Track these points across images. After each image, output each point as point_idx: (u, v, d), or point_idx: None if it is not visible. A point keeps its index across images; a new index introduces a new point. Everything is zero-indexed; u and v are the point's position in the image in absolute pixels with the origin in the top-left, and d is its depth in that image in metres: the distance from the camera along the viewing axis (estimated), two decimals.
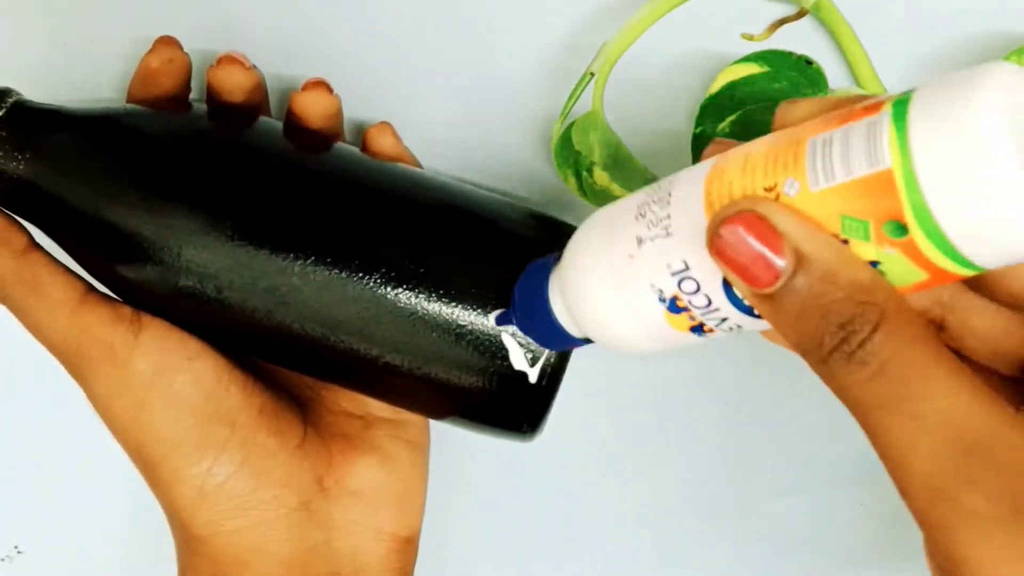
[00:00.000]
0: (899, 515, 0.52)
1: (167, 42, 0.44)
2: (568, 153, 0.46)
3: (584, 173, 0.46)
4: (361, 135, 0.45)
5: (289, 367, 0.44)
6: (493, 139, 0.48)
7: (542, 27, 0.48)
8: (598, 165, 0.45)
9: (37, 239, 0.42)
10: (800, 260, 0.28)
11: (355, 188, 0.42)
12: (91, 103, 0.43)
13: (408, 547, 0.44)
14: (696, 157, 0.46)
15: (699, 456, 0.52)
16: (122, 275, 0.41)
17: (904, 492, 0.29)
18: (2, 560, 0.51)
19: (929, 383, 0.28)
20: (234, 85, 0.43)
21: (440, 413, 0.43)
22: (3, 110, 0.41)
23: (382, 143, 0.44)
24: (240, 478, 0.41)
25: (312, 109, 0.44)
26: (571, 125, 0.45)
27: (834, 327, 0.29)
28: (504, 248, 0.42)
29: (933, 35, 0.48)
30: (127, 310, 0.41)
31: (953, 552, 0.29)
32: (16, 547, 0.51)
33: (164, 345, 0.41)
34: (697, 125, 0.46)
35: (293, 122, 0.44)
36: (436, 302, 0.40)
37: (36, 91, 0.43)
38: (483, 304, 0.40)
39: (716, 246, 0.29)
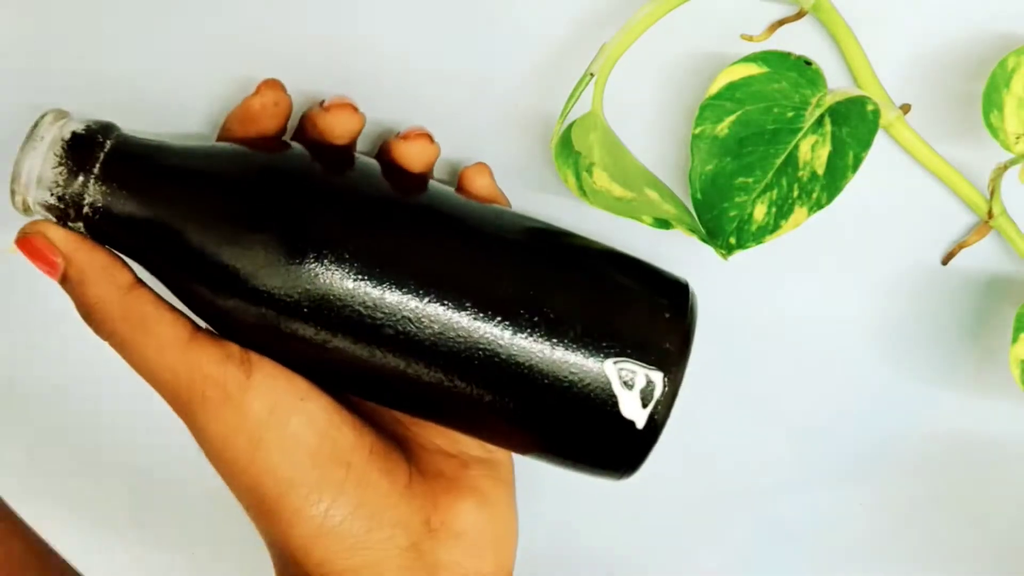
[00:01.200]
0: (899, 515, 0.53)
1: (272, 85, 0.44)
2: (568, 153, 0.45)
3: (584, 173, 0.46)
4: (456, 175, 0.46)
5: (395, 408, 0.44)
6: (493, 139, 0.48)
7: (542, 27, 0.48)
8: (598, 165, 0.45)
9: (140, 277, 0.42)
10: None
11: (469, 232, 0.42)
12: (188, 139, 0.42)
13: None
14: (696, 157, 0.46)
15: (700, 455, 0.52)
16: (231, 314, 0.40)
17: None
18: None
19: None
20: (344, 130, 0.43)
21: (542, 453, 0.43)
22: (107, 145, 0.41)
23: (479, 184, 0.45)
24: (357, 518, 0.41)
25: (414, 157, 0.44)
26: (571, 125, 0.45)
27: None
28: (616, 296, 0.42)
29: (932, 35, 0.48)
30: (236, 349, 0.41)
31: None
32: None
33: (276, 385, 0.41)
34: (696, 125, 0.46)
35: (392, 164, 0.44)
36: (551, 349, 0.40)
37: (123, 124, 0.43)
38: (597, 352, 0.41)
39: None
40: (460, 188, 0.45)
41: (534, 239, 0.43)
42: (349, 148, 0.44)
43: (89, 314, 0.41)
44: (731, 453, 0.52)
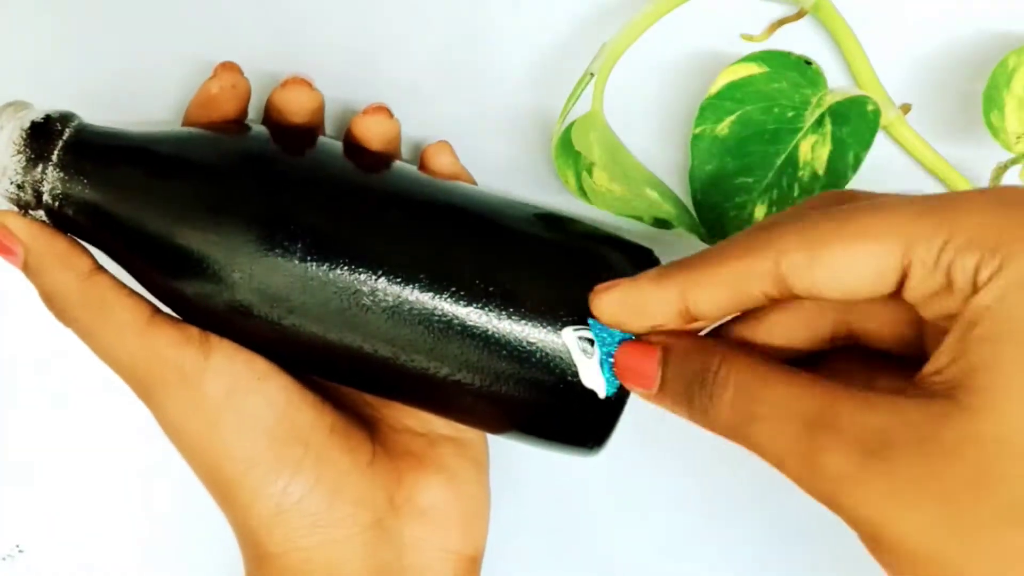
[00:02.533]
0: None
1: (229, 68, 0.44)
2: (568, 153, 0.45)
3: (584, 173, 0.46)
4: (418, 153, 0.45)
5: (355, 387, 0.43)
6: (493, 139, 0.48)
7: (542, 27, 0.47)
8: (597, 165, 0.44)
9: (101, 263, 0.42)
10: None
11: (423, 207, 0.41)
12: (149, 126, 0.42)
13: (473, 567, 0.44)
14: (696, 157, 0.46)
15: (700, 454, 0.51)
16: (189, 296, 0.40)
17: (800, 486, 0.33)
18: (4, 559, 0.51)
19: (767, 387, 0.33)
20: (300, 107, 0.43)
21: (506, 429, 0.42)
22: (67, 133, 0.41)
23: (441, 162, 0.44)
24: (316, 496, 0.41)
25: (374, 132, 0.44)
26: (571, 125, 0.44)
27: (692, 380, 0.36)
28: (573, 264, 0.41)
29: (932, 35, 0.48)
30: (195, 331, 0.41)
31: (852, 516, 0.32)
32: (18, 546, 0.51)
33: (234, 367, 0.41)
34: (697, 125, 0.46)
35: (353, 143, 0.44)
36: (507, 320, 0.40)
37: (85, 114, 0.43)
38: (554, 321, 0.40)
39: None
40: (423, 167, 0.45)
41: (489, 212, 0.42)
42: (312, 129, 0.44)
43: (50, 301, 0.41)
44: (731, 452, 0.51)
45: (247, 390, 0.40)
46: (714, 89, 0.45)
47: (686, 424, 0.51)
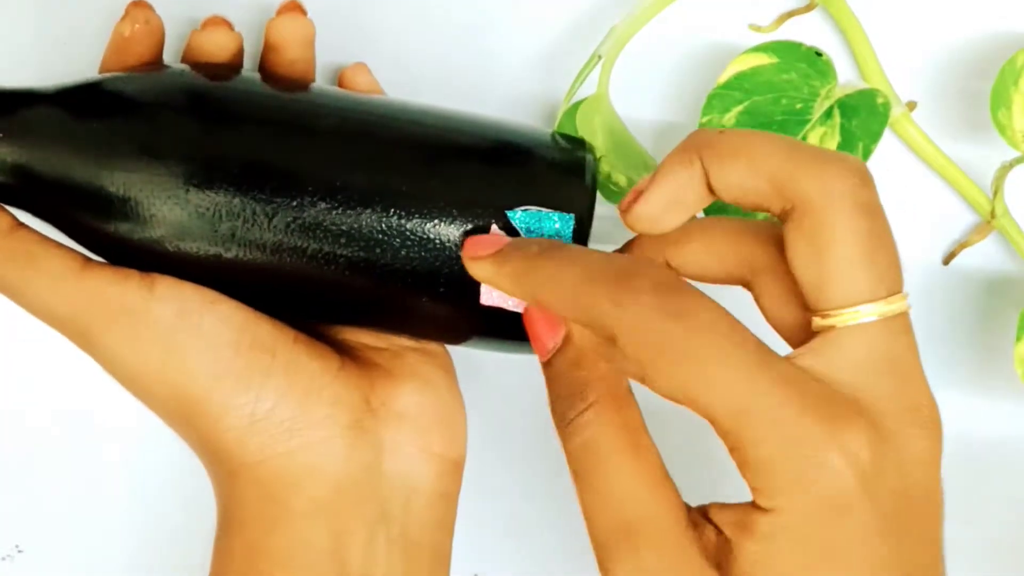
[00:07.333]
0: None
1: (140, 5, 0.41)
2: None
3: None
4: (336, 76, 0.44)
5: (307, 317, 0.41)
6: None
7: (549, 9, 0.46)
8: (599, 150, 0.42)
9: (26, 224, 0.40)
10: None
11: (350, 126, 0.39)
12: (63, 81, 0.40)
13: (456, 471, 0.42)
14: None
15: (700, 455, 0.49)
16: (125, 241, 0.38)
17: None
18: (3, 559, 0.49)
19: (613, 466, 0.35)
20: (220, 48, 0.41)
21: (458, 337, 0.41)
22: None
23: (360, 82, 0.43)
24: (289, 401, 0.39)
25: (289, 35, 0.42)
26: (575, 106, 0.42)
27: (565, 398, 0.36)
28: (500, 163, 0.39)
29: (940, 31, 0.46)
30: (133, 270, 0.39)
31: None
32: (17, 546, 0.49)
33: (181, 293, 0.38)
34: (703, 115, 0.44)
35: (270, 63, 0.42)
36: (443, 223, 0.38)
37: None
38: (490, 220, 0.38)
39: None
40: (342, 88, 0.43)
41: (416, 119, 0.40)
42: (232, 64, 0.42)
43: None
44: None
45: (200, 311, 0.38)
46: (723, 79, 0.43)
47: (698, 431, 0.48)
